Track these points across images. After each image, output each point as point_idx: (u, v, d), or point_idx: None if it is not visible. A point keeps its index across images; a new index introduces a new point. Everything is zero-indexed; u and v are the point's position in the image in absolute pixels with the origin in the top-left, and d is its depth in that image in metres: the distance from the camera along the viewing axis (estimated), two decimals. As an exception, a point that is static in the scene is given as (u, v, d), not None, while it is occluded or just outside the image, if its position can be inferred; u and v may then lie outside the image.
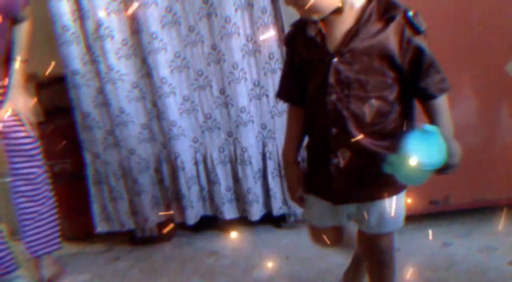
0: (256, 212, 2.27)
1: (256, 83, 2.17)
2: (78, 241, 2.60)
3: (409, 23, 1.09)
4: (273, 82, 2.15)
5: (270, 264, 2.05)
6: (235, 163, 2.27)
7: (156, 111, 2.27)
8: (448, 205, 2.08)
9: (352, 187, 1.20)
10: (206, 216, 2.40)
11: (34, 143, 2.16)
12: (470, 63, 1.92)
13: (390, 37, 1.09)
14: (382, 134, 1.15)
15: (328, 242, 1.38)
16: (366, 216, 1.25)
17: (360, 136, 1.15)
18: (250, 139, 2.22)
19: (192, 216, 2.33)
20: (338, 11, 1.13)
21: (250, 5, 2.07)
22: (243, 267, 2.10)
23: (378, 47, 1.09)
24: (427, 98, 1.14)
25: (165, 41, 2.15)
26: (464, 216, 2.14)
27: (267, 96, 2.18)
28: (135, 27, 2.16)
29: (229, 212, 2.32)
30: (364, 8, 1.11)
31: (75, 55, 2.24)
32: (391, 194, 1.21)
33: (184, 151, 2.29)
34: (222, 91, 2.19)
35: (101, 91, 2.26)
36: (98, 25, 2.16)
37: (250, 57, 2.13)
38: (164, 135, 2.29)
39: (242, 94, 2.16)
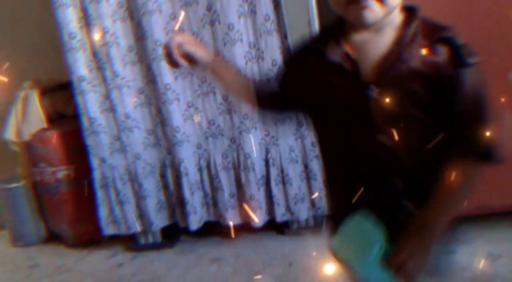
0: (259, 218, 2.27)
1: (259, 90, 2.18)
2: (81, 247, 2.60)
3: (457, 51, 0.86)
4: (276, 89, 2.16)
5: (273, 271, 2.05)
6: (238, 169, 2.28)
7: (160, 117, 2.28)
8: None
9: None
10: (210, 222, 2.40)
11: None
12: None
13: (437, 64, 0.87)
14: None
15: None
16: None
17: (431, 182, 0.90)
18: (253, 146, 2.23)
19: (195, 221, 2.33)
20: (376, 27, 0.90)
21: (253, 12, 2.09)
22: (246, 274, 2.09)
23: (424, 74, 0.87)
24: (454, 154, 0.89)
25: (169, 48, 2.17)
26: (467, 223, 2.12)
27: (270, 103, 2.18)
28: (140, 34, 2.18)
29: (232, 218, 2.31)
30: (404, 27, 0.90)
31: (82, 62, 2.25)
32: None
33: (188, 156, 2.30)
34: (225, 97, 2.20)
35: (107, 97, 2.28)
36: (104, 32, 2.18)
37: (253, 64, 2.15)
38: (168, 141, 2.30)
39: (246, 101, 2.17)
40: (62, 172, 2.53)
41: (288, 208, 2.28)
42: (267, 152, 2.25)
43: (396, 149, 0.90)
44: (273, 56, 2.12)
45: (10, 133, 2.57)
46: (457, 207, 0.92)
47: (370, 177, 0.93)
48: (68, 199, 2.56)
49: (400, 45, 0.88)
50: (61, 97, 2.64)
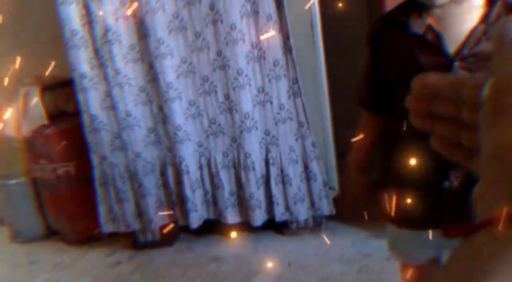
0: (259, 217, 2.28)
1: (261, 89, 2.18)
2: (80, 244, 2.60)
3: None
4: (277, 89, 2.16)
5: (272, 271, 2.05)
6: (238, 168, 2.28)
7: (162, 115, 2.28)
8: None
9: (468, 209, 1.01)
10: (209, 220, 2.40)
11: None
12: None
13: None
14: None
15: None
16: None
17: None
18: (253, 145, 2.23)
19: (196, 219, 2.34)
20: (456, 1, 0.93)
21: (255, 13, 2.09)
22: (245, 273, 2.10)
23: None
24: None
25: (172, 46, 2.18)
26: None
27: (271, 102, 2.19)
28: (143, 32, 2.18)
29: (232, 216, 2.32)
30: (487, 5, 0.93)
31: (83, 59, 2.26)
32: None
33: (189, 155, 2.30)
34: (227, 96, 2.21)
35: (109, 94, 2.28)
36: (106, 30, 2.18)
37: (255, 64, 2.15)
38: (169, 139, 2.31)
39: (246, 100, 2.18)
40: (62, 169, 2.53)
41: (287, 208, 2.28)
42: (268, 151, 2.25)
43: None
44: (275, 56, 2.13)
45: (11, 130, 2.57)
46: None
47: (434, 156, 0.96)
48: (67, 196, 2.56)
49: (486, 22, 0.91)
50: (62, 94, 2.64)
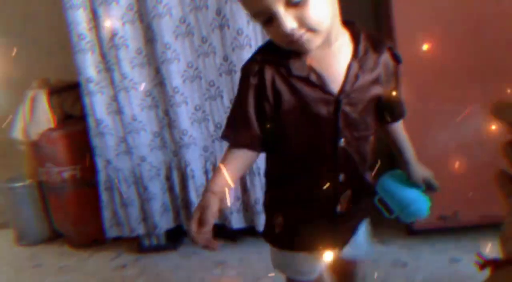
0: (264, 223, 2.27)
1: (267, 94, 2.18)
2: (85, 248, 2.61)
3: (393, 54, 1.06)
4: (283, 94, 2.16)
5: (276, 276, 2.05)
6: (244, 173, 2.29)
7: (168, 119, 2.29)
8: (456, 220, 2.07)
9: (354, 223, 1.20)
10: (214, 225, 2.39)
11: None
12: (479, 80, 1.93)
13: (382, 71, 1.04)
14: (372, 167, 1.16)
15: None
16: (357, 239, 1.22)
17: (369, 175, 1.13)
18: (259, 150, 2.23)
19: (201, 224, 2.33)
20: (325, 44, 0.99)
21: (262, 18, 2.09)
22: (250, 278, 2.09)
23: (375, 82, 1.02)
24: (393, 121, 1.15)
25: (178, 51, 2.18)
26: (472, 232, 2.13)
27: (277, 107, 2.19)
28: (150, 37, 2.19)
29: (237, 221, 2.32)
30: (354, 40, 1.02)
31: (90, 63, 2.27)
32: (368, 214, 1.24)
33: (195, 159, 2.30)
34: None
35: (115, 99, 2.29)
36: (113, 34, 2.20)
37: (261, 69, 2.15)
38: (175, 144, 2.31)
39: (252, 105, 2.18)
40: (68, 172, 2.54)
41: (292, 213, 2.28)
42: (273, 156, 2.25)
43: (349, 150, 1.05)
44: (281, 61, 2.13)
45: (17, 133, 2.59)
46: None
47: (323, 175, 1.06)
48: (73, 199, 2.57)
49: (357, 58, 1.00)
50: (69, 97, 2.65)
